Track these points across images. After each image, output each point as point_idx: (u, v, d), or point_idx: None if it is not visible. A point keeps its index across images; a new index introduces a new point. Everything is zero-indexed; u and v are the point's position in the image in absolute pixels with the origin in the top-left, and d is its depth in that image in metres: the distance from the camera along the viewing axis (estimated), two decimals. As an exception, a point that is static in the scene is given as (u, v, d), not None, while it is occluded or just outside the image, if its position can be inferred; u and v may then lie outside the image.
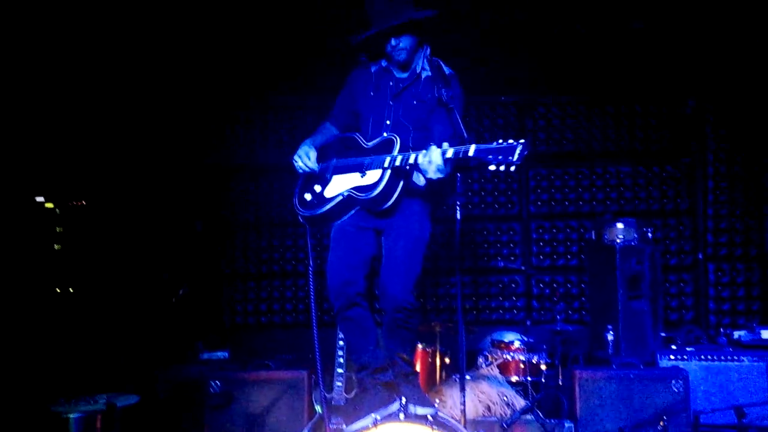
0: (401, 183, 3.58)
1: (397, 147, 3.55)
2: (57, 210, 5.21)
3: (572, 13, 5.50)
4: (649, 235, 5.40)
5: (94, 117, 5.67)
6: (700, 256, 6.17)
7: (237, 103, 6.47)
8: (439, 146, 3.37)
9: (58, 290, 5.14)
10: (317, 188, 3.75)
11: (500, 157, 3.12)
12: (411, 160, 3.44)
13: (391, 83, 3.78)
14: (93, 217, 5.27)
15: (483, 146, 3.20)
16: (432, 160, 3.34)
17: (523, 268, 6.09)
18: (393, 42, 3.65)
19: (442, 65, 3.70)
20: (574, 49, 5.90)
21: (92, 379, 4.67)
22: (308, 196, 3.76)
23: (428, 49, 3.76)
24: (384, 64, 3.85)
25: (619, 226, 5.30)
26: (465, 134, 3.36)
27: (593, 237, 5.55)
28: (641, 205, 6.28)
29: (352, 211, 3.73)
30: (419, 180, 3.61)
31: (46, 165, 5.37)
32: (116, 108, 5.78)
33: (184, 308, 5.67)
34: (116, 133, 5.79)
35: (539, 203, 6.41)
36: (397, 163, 3.48)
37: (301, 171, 3.79)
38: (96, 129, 5.68)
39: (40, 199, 5.19)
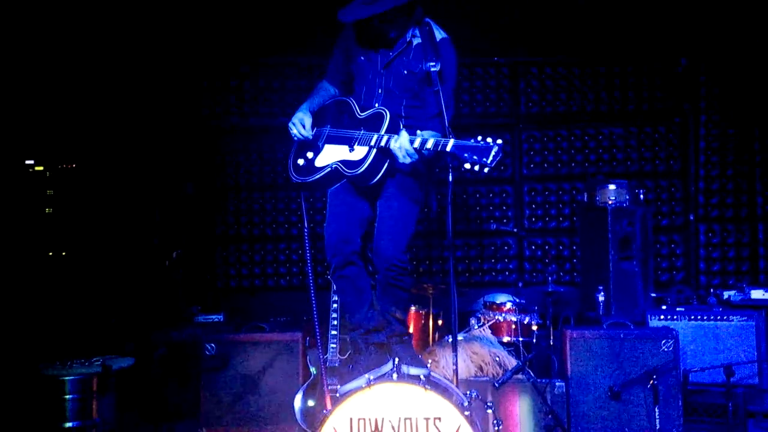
0: (387, 161, 3.58)
1: (386, 122, 3.52)
2: (47, 173, 5.18)
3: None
4: (641, 196, 5.42)
5: (83, 79, 5.60)
6: (692, 217, 6.20)
7: (229, 64, 6.39)
8: (424, 125, 3.39)
9: (51, 253, 5.14)
10: (309, 155, 3.73)
11: (475, 157, 3.15)
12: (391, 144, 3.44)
13: (382, 50, 3.73)
14: (84, 180, 5.24)
15: (461, 142, 3.21)
16: (401, 145, 3.36)
17: (515, 230, 6.10)
18: (379, 22, 3.57)
19: (434, 29, 3.61)
20: (566, 8, 5.83)
21: (87, 342, 4.69)
22: (301, 162, 3.75)
23: (420, 12, 3.69)
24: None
25: (611, 187, 5.32)
26: (447, 123, 3.34)
27: (585, 199, 5.57)
28: (633, 167, 6.28)
29: (339, 184, 3.73)
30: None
31: (35, 128, 5.32)
32: (106, 70, 5.71)
33: (178, 271, 5.67)
34: (106, 96, 5.72)
35: (532, 165, 6.40)
36: (383, 143, 3.47)
37: (296, 138, 3.77)
38: (85, 91, 5.62)
39: (29, 162, 5.16)
